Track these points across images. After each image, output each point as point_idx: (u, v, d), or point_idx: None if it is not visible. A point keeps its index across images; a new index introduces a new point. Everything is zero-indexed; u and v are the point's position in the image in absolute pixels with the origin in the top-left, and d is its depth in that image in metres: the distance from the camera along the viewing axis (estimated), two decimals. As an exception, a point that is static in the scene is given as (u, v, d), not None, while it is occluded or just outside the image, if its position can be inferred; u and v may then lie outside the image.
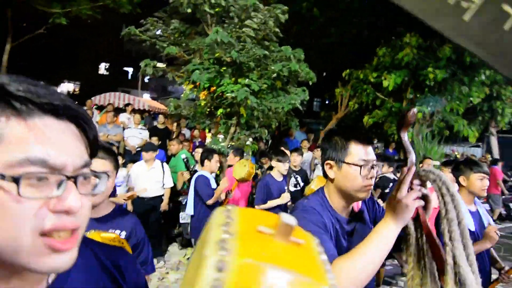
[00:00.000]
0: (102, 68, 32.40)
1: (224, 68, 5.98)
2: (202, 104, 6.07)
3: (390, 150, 12.20)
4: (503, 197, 10.55)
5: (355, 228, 1.38)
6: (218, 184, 4.12)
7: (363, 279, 1.00)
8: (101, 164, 1.42)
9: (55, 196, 0.46)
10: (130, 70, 33.60)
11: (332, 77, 12.63)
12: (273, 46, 6.34)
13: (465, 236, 1.02)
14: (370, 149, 1.31)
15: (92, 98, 10.65)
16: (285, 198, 3.95)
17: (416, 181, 1.06)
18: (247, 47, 5.82)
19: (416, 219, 1.09)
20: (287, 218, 0.42)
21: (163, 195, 5.03)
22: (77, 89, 31.23)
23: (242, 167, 4.07)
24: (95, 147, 0.55)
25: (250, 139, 6.24)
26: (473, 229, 2.35)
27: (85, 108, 8.69)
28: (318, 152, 7.61)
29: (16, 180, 0.43)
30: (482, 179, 2.43)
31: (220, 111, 5.91)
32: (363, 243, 1.05)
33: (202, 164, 4.27)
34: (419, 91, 8.76)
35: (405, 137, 1.14)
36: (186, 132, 8.67)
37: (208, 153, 4.20)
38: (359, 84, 9.48)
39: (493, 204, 9.54)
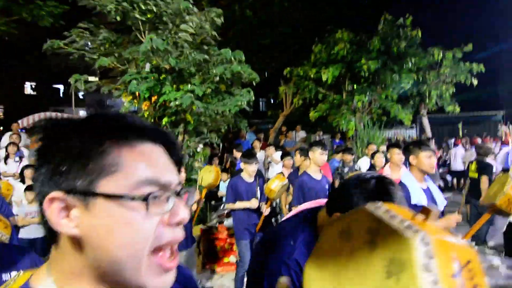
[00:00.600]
0: (28, 88, 29.65)
1: (164, 75, 5.74)
2: (145, 115, 5.76)
3: (337, 140, 12.75)
4: (440, 171, 11.56)
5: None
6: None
7: None
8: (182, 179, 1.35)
9: (168, 211, 0.52)
10: (61, 87, 31.19)
11: (274, 76, 12.87)
12: (212, 50, 6.23)
13: None
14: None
15: (19, 121, 9.64)
16: (253, 203, 3.93)
17: None
18: (185, 53, 5.64)
19: None
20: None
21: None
22: (0, 114, 28.20)
23: (208, 173, 4.07)
24: (180, 165, 0.60)
25: (201, 145, 6.07)
26: (425, 204, 2.52)
27: (11, 133, 7.83)
28: (270, 151, 7.67)
29: (145, 199, 0.49)
30: (430, 157, 2.60)
31: (165, 120, 5.65)
32: None
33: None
34: (356, 83, 9.24)
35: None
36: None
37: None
38: (301, 80, 9.74)
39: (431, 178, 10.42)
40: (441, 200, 2.76)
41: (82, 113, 25.81)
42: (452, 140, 15.07)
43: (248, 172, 4.21)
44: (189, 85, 5.43)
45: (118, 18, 5.63)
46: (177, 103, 5.10)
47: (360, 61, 8.30)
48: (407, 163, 2.81)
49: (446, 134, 18.09)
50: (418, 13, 8.70)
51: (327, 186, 3.61)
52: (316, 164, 3.66)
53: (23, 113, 13.44)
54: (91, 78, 6.03)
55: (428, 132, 14.89)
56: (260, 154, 8.11)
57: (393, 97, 9.38)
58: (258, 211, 4.20)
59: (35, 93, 29.84)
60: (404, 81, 8.73)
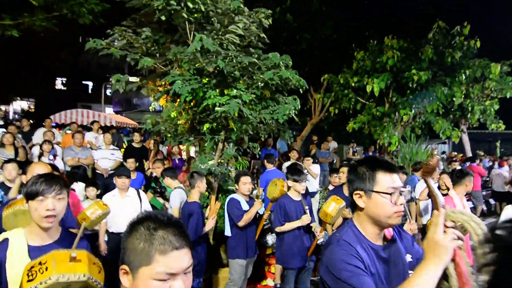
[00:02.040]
0: (59, 83, 30.35)
1: (207, 79, 5.42)
2: (184, 119, 5.45)
3: (370, 153, 12.14)
4: (483, 193, 10.74)
5: (390, 255, 1.41)
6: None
7: None
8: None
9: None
10: (89, 83, 31.79)
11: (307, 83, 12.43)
12: (257, 53, 5.88)
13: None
14: (396, 176, 1.39)
15: (51, 117, 9.60)
16: (304, 220, 3.64)
17: (449, 223, 1.12)
18: (230, 55, 5.31)
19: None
20: None
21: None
22: (32, 107, 28.94)
23: (274, 186, 3.89)
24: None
25: (240, 156, 5.72)
26: None
27: (43, 129, 7.74)
28: (307, 162, 7.23)
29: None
30: None
31: (206, 126, 5.32)
32: (403, 284, 1.12)
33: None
34: (401, 94, 8.67)
35: (431, 182, 1.27)
36: (163, 149, 7.98)
37: (237, 177, 4.27)
38: (340, 89, 9.25)
39: (475, 201, 9.64)
40: None
41: (109, 110, 26.14)
42: (486, 159, 14.14)
43: (298, 190, 3.85)
44: (235, 90, 5.08)
45: (163, 18, 5.37)
46: (222, 108, 4.75)
47: (410, 71, 7.73)
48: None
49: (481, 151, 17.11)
50: (470, 22, 8.05)
51: None
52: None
53: (53, 108, 13.58)
54: (132, 79, 5.80)
55: (468, 151, 14.03)
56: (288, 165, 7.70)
57: (439, 111, 8.75)
58: (309, 232, 3.83)
59: (65, 88, 30.50)
60: (457, 94, 8.08)
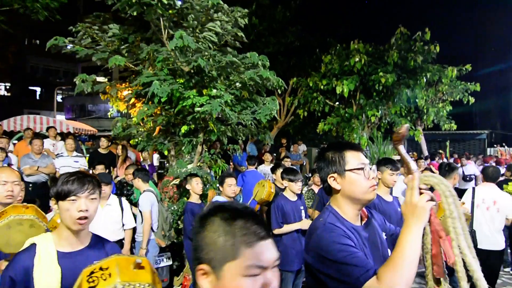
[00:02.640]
0: (2, 89, 27.74)
1: (182, 79, 5.17)
2: (160, 121, 5.13)
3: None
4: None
5: (369, 235, 1.47)
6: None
7: (408, 281, 1.13)
8: None
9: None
10: (37, 89, 29.43)
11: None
12: (232, 54, 5.74)
13: (465, 230, 1.21)
14: (361, 154, 1.47)
15: (2, 123, 8.67)
16: (305, 224, 3.57)
17: (423, 185, 1.22)
18: (208, 54, 5.12)
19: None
20: None
21: (123, 238, 4.02)
22: (-31, 115, 26.16)
23: (261, 188, 3.76)
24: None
25: (219, 159, 5.50)
26: None
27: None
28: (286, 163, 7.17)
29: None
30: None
31: (184, 128, 5.05)
32: (396, 251, 1.17)
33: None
34: (367, 97, 8.99)
35: (402, 149, 1.30)
36: (130, 155, 7.50)
37: (221, 178, 4.03)
38: (309, 92, 9.39)
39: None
40: None
41: (60, 117, 24.35)
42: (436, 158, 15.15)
43: (294, 190, 3.78)
44: (214, 90, 4.88)
45: (135, 13, 5.05)
46: (203, 109, 4.53)
47: (376, 74, 8.04)
48: None
49: (432, 151, 18.31)
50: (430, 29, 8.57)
51: (399, 209, 3.17)
52: (386, 186, 3.21)
53: (-3, 115, 12.32)
54: (99, 79, 5.36)
55: (425, 150, 14.91)
56: (263, 168, 7.62)
57: (402, 112, 9.19)
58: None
59: (9, 94, 27.94)
60: (419, 96, 8.54)
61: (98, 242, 1.64)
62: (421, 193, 1.20)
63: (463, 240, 1.18)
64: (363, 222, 1.50)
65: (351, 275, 1.22)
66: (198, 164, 5.28)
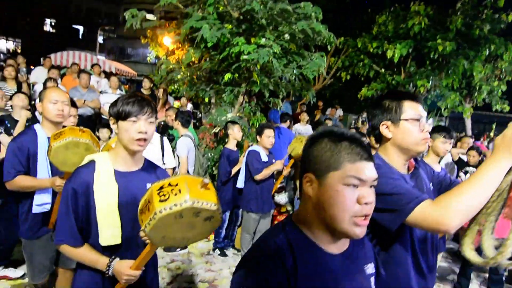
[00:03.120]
0: (48, 25, 28.50)
1: (230, 25, 4.99)
2: (205, 66, 5.06)
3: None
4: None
5: (416, 183, 1.46)
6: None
7: (469, 213, 1.09)
8: None
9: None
10: (80, 28, 29.96)
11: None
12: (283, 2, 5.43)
13: None
14: (420, 106, 1.42)
15: (51, 56, 8.94)
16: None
17: None
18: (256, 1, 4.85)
19: None
20: None
21: (163, 178, 4.15)
22: (18, 48, 27.32)
23: (299, 143, 3.74)
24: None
25: (258, 111, 5.43)
26: None
27: (41, 68, 7.22)
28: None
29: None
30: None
31: (227, 76, 4.97)
32: (472, 177, 1.11)
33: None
34: (418, 65, 8.39)
35: None
36: (170, 99, 7.59)
37: (260, 129, 3.99)
38: (356, 53, 8.88)
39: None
40: None
41: (101, 58, 24.92)
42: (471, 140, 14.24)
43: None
44: (263, 39, 4.69)
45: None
46: (250, 57, 4.39)
47: (434, 40, 7.41)
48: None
49: (475, 132, 17.26)
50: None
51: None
52: (436, 154, 3.06)
53: (41, 50, 12.72)
54: (149, 16, 5.29)
55: (469, 129, 14.09)
56: (298, 127, 7.50)
57: (454, 86, 8.56)
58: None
59: (54, 31, 28.68)
60: (476, 70, 7.87)
61: (150, 166, 1.69)
62: None
63: None
64: (409, 172, 1.49)
65: (400, 202, 1.21)
66: (238, 114, 5.25)
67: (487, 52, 7.93)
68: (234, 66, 4.94)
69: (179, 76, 5.52)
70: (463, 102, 8.70)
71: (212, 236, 4.60)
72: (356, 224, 0.88)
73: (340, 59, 9.33)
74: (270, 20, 5.05)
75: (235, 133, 4.13)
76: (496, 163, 1.08)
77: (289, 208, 5.01)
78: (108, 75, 8.92)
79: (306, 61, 5.31)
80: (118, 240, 1.50)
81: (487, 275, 3.91)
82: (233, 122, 4.17)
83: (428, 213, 1.15)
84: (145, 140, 1.52)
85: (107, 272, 1.46)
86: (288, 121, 6.66)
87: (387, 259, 1.35)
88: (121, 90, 7.16)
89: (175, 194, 1.16)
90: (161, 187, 1.20)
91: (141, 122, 1.50)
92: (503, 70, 10.64)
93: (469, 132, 13.94)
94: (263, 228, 4.14)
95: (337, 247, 0.97)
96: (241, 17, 5.06)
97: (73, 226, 1.48)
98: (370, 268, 1.03)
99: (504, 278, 3.63)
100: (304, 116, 7.64)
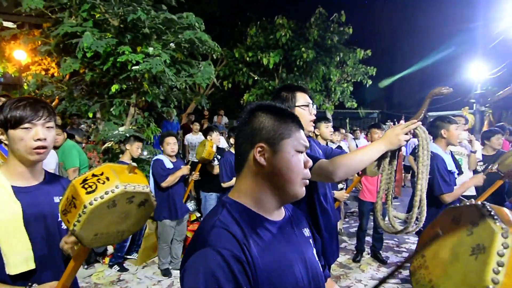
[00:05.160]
0: None
1: (108, 34, 4.72)
2: (88, 78, 4.62)
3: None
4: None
5: (311, 151, 1.92)
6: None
7: (354, 169, 1.53)
8: None
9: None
10: None
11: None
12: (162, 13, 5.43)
13: (427, 175, 1.58)
14: (307, 95, 1.86)
15: None
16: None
17: (413, 130, 1.56)
18: (141, 8, 4.75)
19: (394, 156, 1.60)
20: None
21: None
22: None
23: (202, 147, 3.83)
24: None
25: (152, 123, 5.25)
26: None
27: None
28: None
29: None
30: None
31: (115, 87, 4.66)
32: (358, 150, 1.57)
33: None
34: (288, 71, 9.52)
35: (427, 101, 1.61)
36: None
37: (162, 138, 4.00)
38: (234, 63, 9.48)
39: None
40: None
41: None
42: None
43: None
44: (150, 48, 4.60)
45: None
46: (142, 66, 4.25)
47: (298, 49, 8.56)
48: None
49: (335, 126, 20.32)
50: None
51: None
52: (324, 138, 3.64)
53: None
54: (6, 24, 4.49)
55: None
56: (190, 137, 7.60)
57: (317, 88, 10.03)
58: None
59: None
60: (332, 73, 9.41)
61: (53, 178, 1.50)
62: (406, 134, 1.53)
63: (425, 182, 1.56)
64: None
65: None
66: (130, 127, 4.97)
67: (338, 59, 9.58)
68: (122, 76, 4.67)
69: (50, 91, 4.87)
70: (325, 101, 10.24)
71: (107, 260, 4.23)
72: (303, 185, 0.98)
73: (220, 68, 9.78)
74: (154, 29, 4.99)
75: (133, 150, 3.96)
76: (378, 146, 1.53)
77: (198, 214, 5.00)
78: None
79: (195, 70, 5.43)
80: (31, 265, 1.29)
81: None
82: (136, 138, 3.99)
83: (324, 166, 1.55)
84: (44, 147, 1.32)
85: None
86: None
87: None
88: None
89: (103, 183, 1.08)
90: (85, 180, 1.09)
91: (38, 128, 1.30)
92: (349, 73, 13.06)
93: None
94: (179, 235, 4.09)
95: (278, 215, 1.01)
96: (121, 26, 4.84)
97: None
98: (306, 232, 1.10)
99: (383, 236, 4.50)
100: (196, 126, 7.72)
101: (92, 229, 1.09)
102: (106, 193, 1.05)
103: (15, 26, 4.77)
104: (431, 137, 3.13)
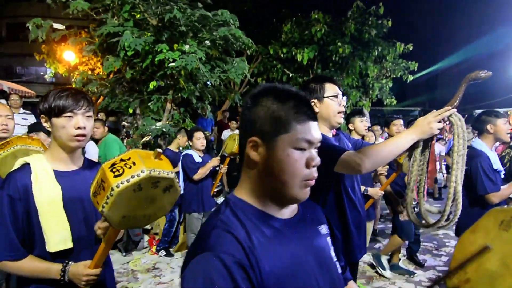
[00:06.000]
0: None
1: (148, 33, 4.91)
2: (128, 75, 4.86)
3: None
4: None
5: (339, 143, 1.94)
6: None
7: (382, 160, 1.49)
8: None
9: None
10: None
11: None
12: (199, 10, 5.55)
13: (464, 166, 1.48)
14: (337, 86, 1.85)
15: None
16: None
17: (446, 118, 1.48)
18: (177, 7, 4.89)
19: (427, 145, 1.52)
20: None
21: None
22: None
23: (232, 141, 3.91)
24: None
25: (188, 118, 5.41)
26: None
27: None
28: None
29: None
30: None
31: (153, 84, 4.86)
32: (388, 140, 1.53)
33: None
34: (323, 67, 9.35)
35: (464, 86, 1.50)
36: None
37: (190, 133, 4.13)
38: (269, 60, 9.47)
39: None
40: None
41: (-20, 80, 21.29)
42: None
43: None
44: (186, 46, 4.73)
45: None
46: (178, 63, 4.39)
47: (334, 44, 8.39)
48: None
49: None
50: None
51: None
52: (358, 133, 3.55)
53: None
54: (56, 26, 4.84)
55: (368, 122, 16.05)
56: (227, 133, 7.73)
57: (353, 84, 9.76)
58: None
59: None
60: (370, 68, 9.12)
61: (92, 164, 1.59)
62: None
63: (460, 173, 1.47)
64: (333, 136, 1.97)
65: (334, 151, 1.58)
66: (167, 122, 5.16)
67: (376, 53, 9.25)
68: (159, 74, 4.86)
69: (94, 88, 5.17)
70: (362, 97, 9.95)
71: (154, 248, 4.45)
72: (305, 187, 0.85)
73: (255, 65, 9.82)
74: (190, 27, 5.12)
75: (182, 140, 4.29)
76: (408, 135, 1.46)
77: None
78: (2, 93, 7.77)
79: (229, 66, 5.51)
80: (69, 244, 1.37)
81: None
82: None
83: (351, 157, 1.51)
84: (84, 135, 1.41)
85: (62, 278, 1.32)
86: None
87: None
88: (25, 110, 6.36)
89: (130, 167, 1.12)
90: (113, 164, 1.14)
91: (78, 117, 1.38)
92: (388, 69, 12.56)
93: (368, 124, 15.92)
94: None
95: (288, 212, 0.91)
96: (160, 24, 5.02)
97: (12, 238, 1.32)
98: (324, 229, 1.00)
99: (420, 238, 4.31)
100: (234, 124, 7.88)
101: (119, 211, 1.15)
102: (132, 177, 1.09)
103: (63, 27, 5.10)
104: (476, 133, 2.95)
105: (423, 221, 1.55)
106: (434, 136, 1.48)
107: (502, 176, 2.73)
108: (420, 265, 4.15)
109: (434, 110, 1.52)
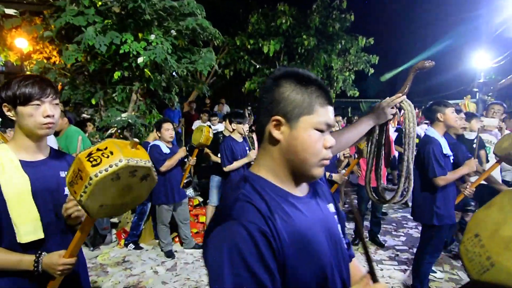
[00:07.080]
0: None
1: (109, 20, 4.74)
2: (92, 67, 4.67)
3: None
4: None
5: None
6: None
7: (343, 145, 1.54)
8: None
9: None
10: None
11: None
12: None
13: (414, 147, 1.63)
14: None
15: None
16: (252, 155, 3.98)
17: (400, 104, 1.61)
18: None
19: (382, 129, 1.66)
20: None
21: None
22: None
23: (199, 133, 3.93)
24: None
25: (154, 109, 5.31)
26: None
27: None
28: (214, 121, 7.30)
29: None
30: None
31: (117, 74, 4.71)
32: (347, 127, 1.63)
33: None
34: (289, 59, 9.51)
35: (412, 75, 1.64)
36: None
37: (158, 124, 4.10)
38: (236, 51, 9.47)
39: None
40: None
41: None
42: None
43: (241, 132, 4.07)
44: (152, 36, 4.62)
45: None
46: (146, 54, 4.28)
47: (300, 36, 8.54)
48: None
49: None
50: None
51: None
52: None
53: None
54: (8, 11, 4.52)
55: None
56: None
57: (318, 76, 10.02)
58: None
59: None
60: (333, 61, 9.39)
61: (58, 154, 1.57)
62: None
63: (411, 153, 1.61)
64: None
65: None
66: (133, 113, 5.04)
67: (339, 47, 9.54)
68: (125, 64, 4.72)
69: (53, 77, 4.91)
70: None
71: (123, 242, 4.39)
72: (322, 166, 0.91)
73: (221, 56, 9.77)
74: (155, 16, 5.00)
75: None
76: (365, 120, 1.57)
77: (200, 199, 5.11)
78: None
79: (196, 57, 5.46)
80: (40, 234, 1.36)
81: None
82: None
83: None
84: (53, 123, 1.40)
85: (35, 269, 1.31)
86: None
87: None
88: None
89: (107, 157, 1.13)
90: (90, 154, 1.15)
91: (46, 105, 1.36)
92: (351, 62, 13.00)
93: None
94: (182, 218, 4.22)
95: (301, 190, 0.96)
96: (123, 12, 4.86)
97: None
98: (332, 207, 1.05)
99: (381, 221, 4.60)
100: (205, 116, 7.82)
101: (97, 200, 1.16)
102: (111, 166, 1.11)
103: (17, 13, 4.79)
104: (429, 122, 3.19)
105: (381, 198, 1.69)
106: (388, 121, 1.61)
107: (451, 161, 2.99)
108: (381, 245, 4.43)
109: (387, 98, 1.64)
